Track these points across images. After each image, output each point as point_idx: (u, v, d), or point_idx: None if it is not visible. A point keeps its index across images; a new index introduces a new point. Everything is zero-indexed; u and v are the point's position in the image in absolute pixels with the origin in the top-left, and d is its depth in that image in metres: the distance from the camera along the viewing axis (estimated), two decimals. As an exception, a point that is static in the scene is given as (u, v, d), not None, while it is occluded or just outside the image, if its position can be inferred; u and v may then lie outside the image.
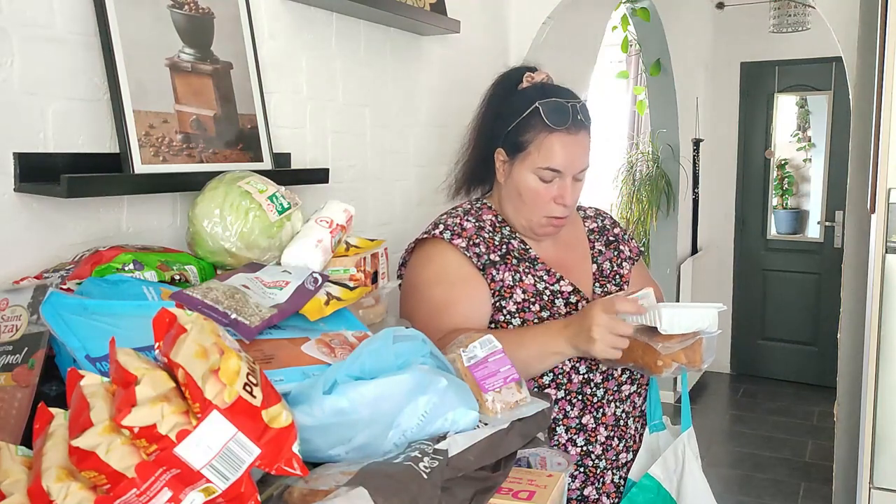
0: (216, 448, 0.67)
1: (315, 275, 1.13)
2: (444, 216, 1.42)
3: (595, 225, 1.53)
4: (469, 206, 1.44)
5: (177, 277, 1.12)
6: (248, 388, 0.70)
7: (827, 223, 4.93)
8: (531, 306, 1.34)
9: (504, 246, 1.38)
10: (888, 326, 1.81)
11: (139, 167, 1.23)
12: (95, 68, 1.22)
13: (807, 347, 5.06)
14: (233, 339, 0.78)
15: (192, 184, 1.28)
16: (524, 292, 1.35)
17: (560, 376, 1.33)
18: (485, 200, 1.47)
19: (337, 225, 1.29)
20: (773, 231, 5.19)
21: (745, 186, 5.15)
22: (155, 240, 1.31)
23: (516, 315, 1.33)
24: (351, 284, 1.17)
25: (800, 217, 5.28)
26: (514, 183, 1.36)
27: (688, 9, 4.53)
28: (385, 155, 2.01)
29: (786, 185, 5.29)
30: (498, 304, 1.34)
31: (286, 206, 1.24)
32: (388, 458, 0.83)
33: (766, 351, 5.18)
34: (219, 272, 1.19)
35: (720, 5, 4.87)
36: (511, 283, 1.35)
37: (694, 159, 4.72)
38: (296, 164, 1.67)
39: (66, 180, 1.08)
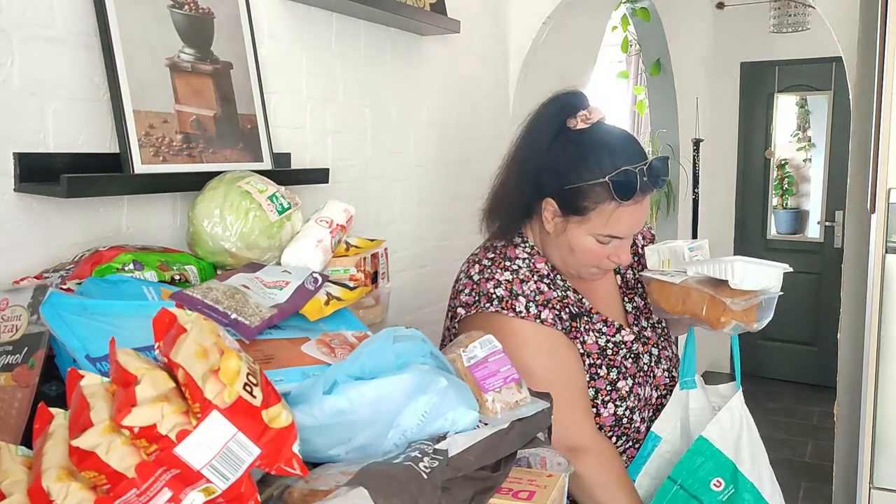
0: (216, 448, 0.67)
1: (315, 275, 1.13)
2: (510, 277, 1.28)
3: None
4: (525, 256, 1.33)
5: (177, 277, 1.12)
6: (248, 388, 0.70)
7: (827, 223, 4.93)
8: (599, 370, 1.29)
9: (567, 304, 1.30)
10: (888, 326, 1.81)
11: (139, 167, 1.23)
12: (95, 68, 1.22)
13: (807, 347, 5.06)
14: (233, 339, 0.78)
15: (192, 184, 1.28)
16: (589, 356, 1.30)
17: (632, 433, 1.33)
18: (527, 240, 1.35)
19: (337, 225, 1.30)
20: (773, 231, 5.19)
21: (745, 186, 5.15)
22: (155, 240, 1.31)
23: (589, 384, 1.29)
24: (351, 284, 1.17)
25: (800, 217, 5.28)
26: (567, 241, 1.27)
27: (688, 9, 4.53)
28: (385, 155, 2.01)
29: (786, 185, 5.29)
30: None
31: (286, 206, 1.24)
32: (388, 459, 0.83)
33: (766, 351, 5.18)
34: (219, 272, 1.19)
35: (720, 5, 4.87)
36: (581, 350, 1.29)
37: (694, 159, 4.72)
38: (296, 164, 1.67)
39: (66, 180, 1.08)
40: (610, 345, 1.32)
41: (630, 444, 1.35)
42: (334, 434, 0.85)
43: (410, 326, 1.01)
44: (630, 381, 1.32)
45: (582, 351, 1.29)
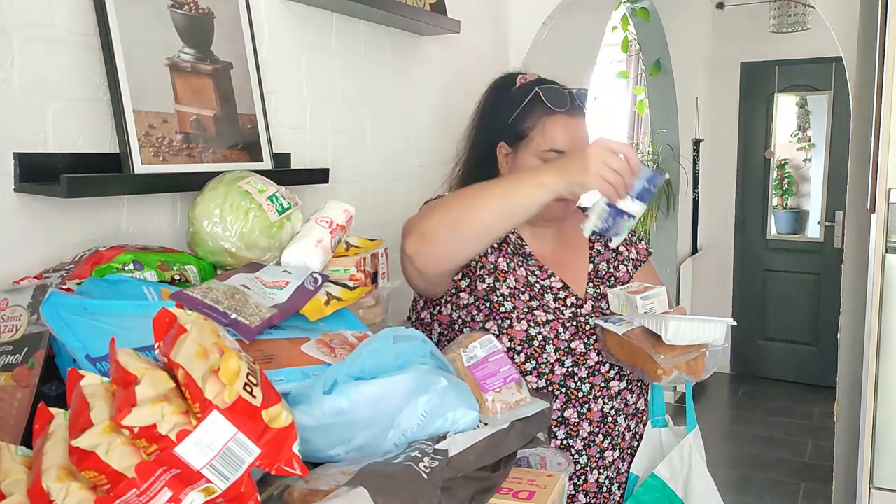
0: (216, 448, 0.67)
1: (315, 275, 1.13)
2: None
3: None
4: None
5: (177, 277, 1.12)
6: (248, 388, 0.70)
7: (827, 223, 4.93)
8: (521, 295, 1.36)
9: (502, 238, 1.40)
10: (888, 326, 1.81)
11: (139, 167, 1.23)
12: (95, 68, 1.22)
13: (807, 347, 5.06)
14: (233, 339, 0.78)
15: (192, 184, 1.28)
16: (516, 280, 1.37)
17: (543, 366, 1.33)
18: None
19: (337, 225, 1.29)
20: (773, 231, 5.19)
21: (745, 186, 5.15)
22: (155, 240, 1.31)
23: (508, 298, 1.35)
24: (351, 284, 1.17)
25: (800, 217, 5.28)
26: (520, 171, 1.37)
27: (688, 9, 4.53)
28: (385, 155, 2.01)
29: (786, 185, 5.29)
30: (492, 285, 1.35)
31: (286, 206, 1.24)
32: (388, 459, 0.83)
33: (766, 351, 5.18)
34: (219, 272, 1.19)
35: (720, 5, 4.87)
36: (505, 269, 1.37)
37: (694, 159, 4.73)
38: (296, 164, 1.67)
39: (66, 180, 1.08)
40: (537, 285, 1.38)
41: (543, 381, 1.33)
42: (334, 434, 0.85)
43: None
44: (551, 316, 1.35)
45: (507, 270, 1.37)
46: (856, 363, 2.23)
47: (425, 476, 0.78)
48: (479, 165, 1.46)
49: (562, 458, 1.13)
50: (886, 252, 1.80)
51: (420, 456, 0.82)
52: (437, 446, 0.85)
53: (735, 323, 1.22)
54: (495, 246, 1.39)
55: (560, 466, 1.10)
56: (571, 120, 1.35)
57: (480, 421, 0.93)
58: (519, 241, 1.42)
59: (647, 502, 1.35)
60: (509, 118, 1.38)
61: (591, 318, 1.38)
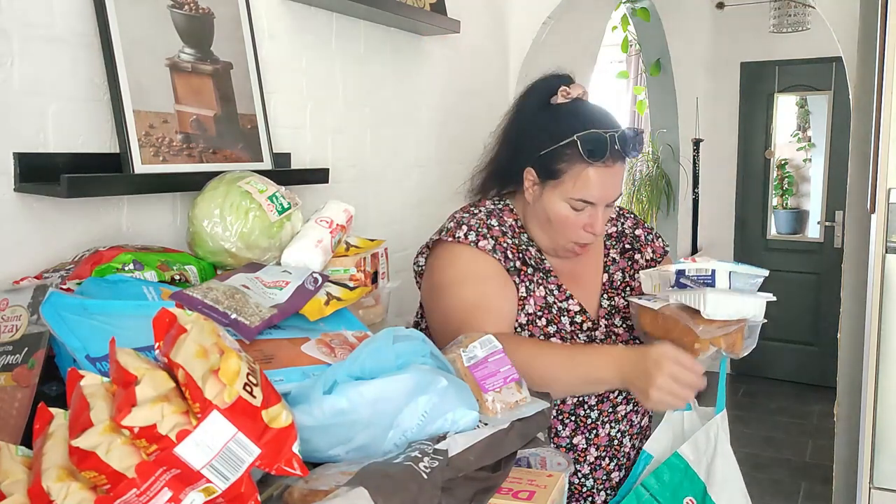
0: (216, 448, 0.67)
1: (315, 275, 1.13)
2: (467, 216, 1.36)
3: (614, 229, 1.48)
4: (492, 207, 1.40)
5: (177, 277, 1.12)
6: (248, 388, 0.70)
7: (827, 223, 4.92)
8: (538, 320, 1.31)
9: (522, 253, 1.36)
10: (888, 326, 1.81)
11: (139, 167, 1.23)
12: (95, 68, 1.22)
13: (807, 347, 5.06)
14: (233, 339, 0.78)
15: (192, 184, 1.28)
16: (534, 304, 1.32)
17: None
18: (507, 202, 1.42)
19: (337, 225, 1.30)
20: (773, 231, 5.18)
21: (745, 186, 5.15)
22: (155, 240, 1.31)
23: (526, 327, 1.31)
24: (351, 284, 1.18)
25: (800, 217, 5.28)
26: (544, 207, 1.32)
27: (688, 9, 4.54)
28: (385, 155, 2.01)
29: (786, 185, 5.29)
30: None
31: (286, 206, 1.24)
32: (388, 459, 0.83)
33: (766, 351, 5.16)
34: (219, 272, 1.19)
35: (720, 5, 4.87)
36: (524, 294, 1.32)
37: (694, 159, 4.72)
38: (296, 164, 1.67)
39: (66, 180, 1.08)
40: (555, 307, 1.34)
41: (554, 410, 1.32)
42: (334, 434, 0.85)
43: (410, 326, 1.01)
44: (567, 340, 1.33)
45: (526, 295, 1.32)
46: (856, 363, 2.22)
47: (425, 476, 0.78)
48: (503, 175, 1.41)
49: (562, 458, 1.12)
50: (886, 252, 1.80)
51: (420, 456, 0.81)
52: (437, 446, 0.84)
53: (774, 298, 1.19)
54: (519, 265, 1.33)
55: (560, 466, 1.09)
56: (608, 170, 1.27)
57: (480, 421, 0.93)
58: (538, 255, 1.37)
59: (667, 481, 1.30)
60: (541, 149, 1.30)
61: (597, 337, 1.34)
